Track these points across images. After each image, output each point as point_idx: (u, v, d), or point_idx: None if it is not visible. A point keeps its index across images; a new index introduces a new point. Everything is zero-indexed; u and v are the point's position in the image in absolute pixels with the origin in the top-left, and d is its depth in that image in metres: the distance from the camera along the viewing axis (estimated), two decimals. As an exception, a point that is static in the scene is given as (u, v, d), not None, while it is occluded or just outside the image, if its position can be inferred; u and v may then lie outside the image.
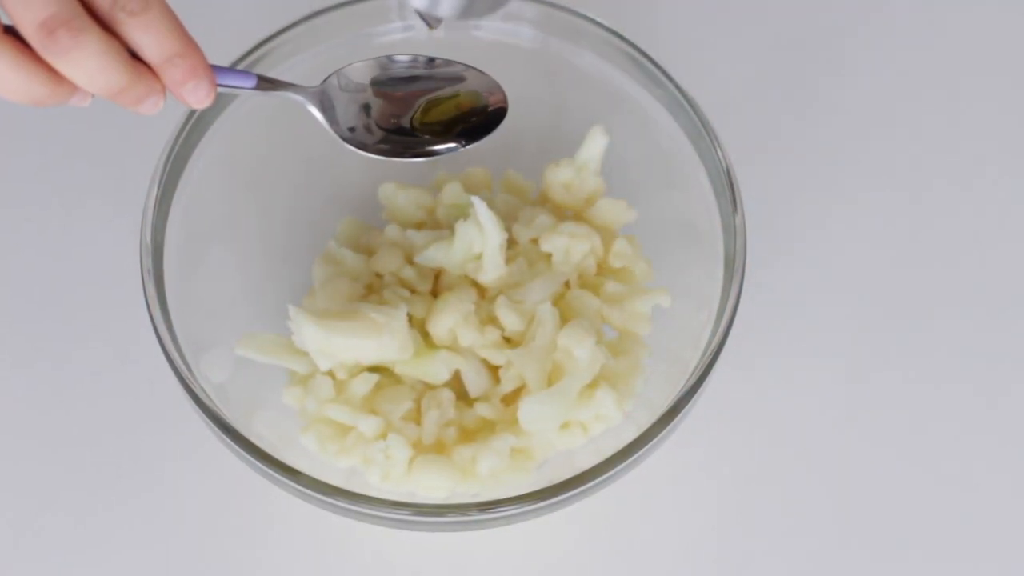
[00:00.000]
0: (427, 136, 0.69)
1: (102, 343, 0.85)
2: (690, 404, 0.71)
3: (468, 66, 0.70)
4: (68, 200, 0.88)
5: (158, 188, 0.74)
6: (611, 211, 0.80)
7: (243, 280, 0.80)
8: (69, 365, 0.84)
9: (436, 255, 0.78)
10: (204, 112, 0.75)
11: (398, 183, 0.82)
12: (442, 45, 0.80)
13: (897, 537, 0.81)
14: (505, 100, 0.69)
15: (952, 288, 0.87)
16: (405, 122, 0.69)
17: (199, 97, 0.61)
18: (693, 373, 0.72)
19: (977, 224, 0.89)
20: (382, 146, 0.68)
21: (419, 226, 0.82)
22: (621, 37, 0.78)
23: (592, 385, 0.75)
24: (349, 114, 0.68)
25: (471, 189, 0.82)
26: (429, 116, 0.69)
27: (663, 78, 0.77)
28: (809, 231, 0.88)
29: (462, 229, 0.77)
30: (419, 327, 0.78)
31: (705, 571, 0.80)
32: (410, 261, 0.80)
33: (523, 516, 0.71)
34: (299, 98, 0.67)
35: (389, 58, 0.70)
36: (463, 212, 0.80)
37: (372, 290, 0.80)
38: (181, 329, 0.73)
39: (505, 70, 0.81)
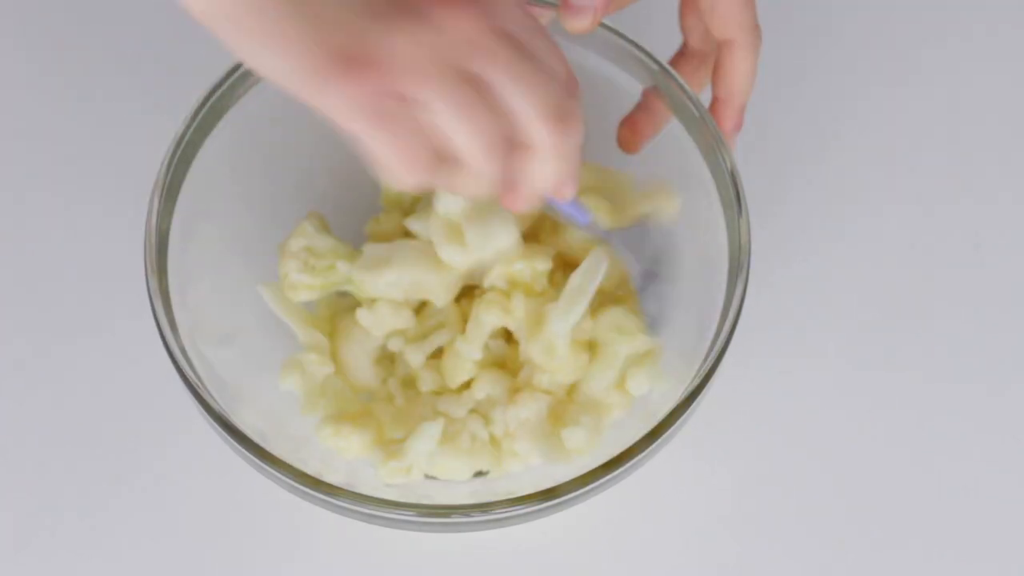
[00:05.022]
0: None
1: (103, 342, 0.84)
2: (693, 406, 0.71)
3: None
4: (70, 198, 0.88)
5: (162, 188, 0.74)
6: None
7: (245, 280, 0.80)
8: (70, 364, 0.84)
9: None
10: (210, 110, 0.75)
11: None
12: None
13: (900, 536, 0.81)
14: None
15: (954, 287, 0.87)
16: None
17: None
18: (696, 375, 0.72)
19: (979, 223, 0.89)
20: None
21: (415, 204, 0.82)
22: (622, 37, 0.78)
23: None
24: None
25: None
26: None
27: (665, 77, 0.77)
28: (811, 229, 0.88)
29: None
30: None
31: (707, 571, 0.80)
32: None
33: (524, 517, 0.71)
34: None
35: None
36: None
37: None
38: (184, 328, 0.73)
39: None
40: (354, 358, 0.78)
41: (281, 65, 0.53)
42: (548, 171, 0.60)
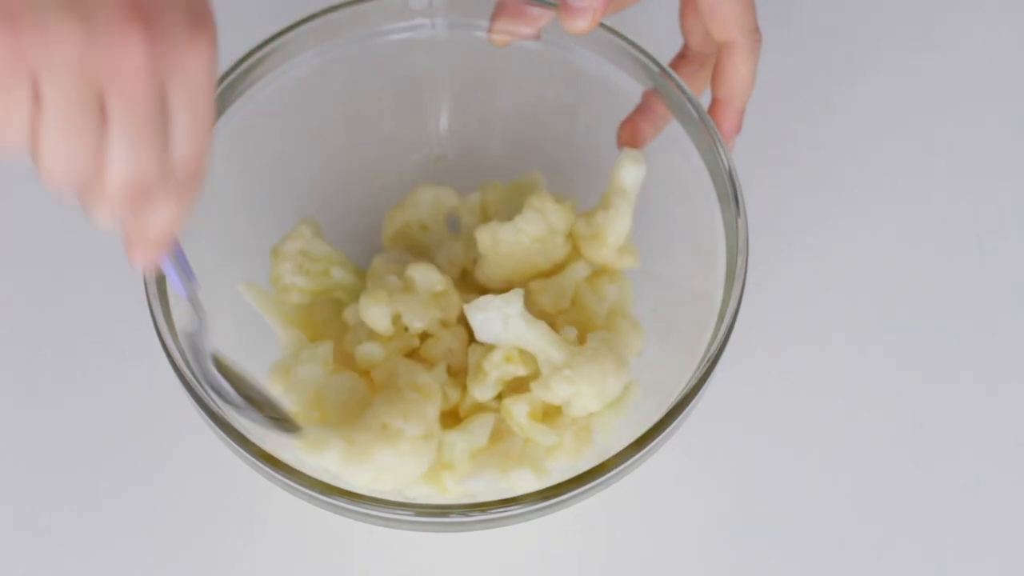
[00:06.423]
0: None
1: (102, 343, 0.85)
2: (691, 405, 0.71)
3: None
4: (69, 198, 0.88)
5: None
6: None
7: (246, 279, 0.80)
8: (69, 365, 0.84)
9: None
10: None
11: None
12: (445, 46, 0.80)
13: (900, 536, 0.81)
14: None
15: (952, 286, 0.87)
16: None
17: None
18: (694, 374, 0.71)
19: (979, 222, 0.89)
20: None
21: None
22: (622, 38, 0.78)
23: None
24: None
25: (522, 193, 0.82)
26: None
27: (664, 78, 0.77)
28: (809, 229, 0.88)
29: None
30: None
31: (706, 571, 0.80)
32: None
33: (523, 517, 0.71)
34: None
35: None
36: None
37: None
38: (183, 328, 0.72)
39: (505, 70, 0.82)
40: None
41: None
42: (107, 220, 0.56)
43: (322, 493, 0.69)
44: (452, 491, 0.74)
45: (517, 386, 0.76)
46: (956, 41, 0.95)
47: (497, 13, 0.79)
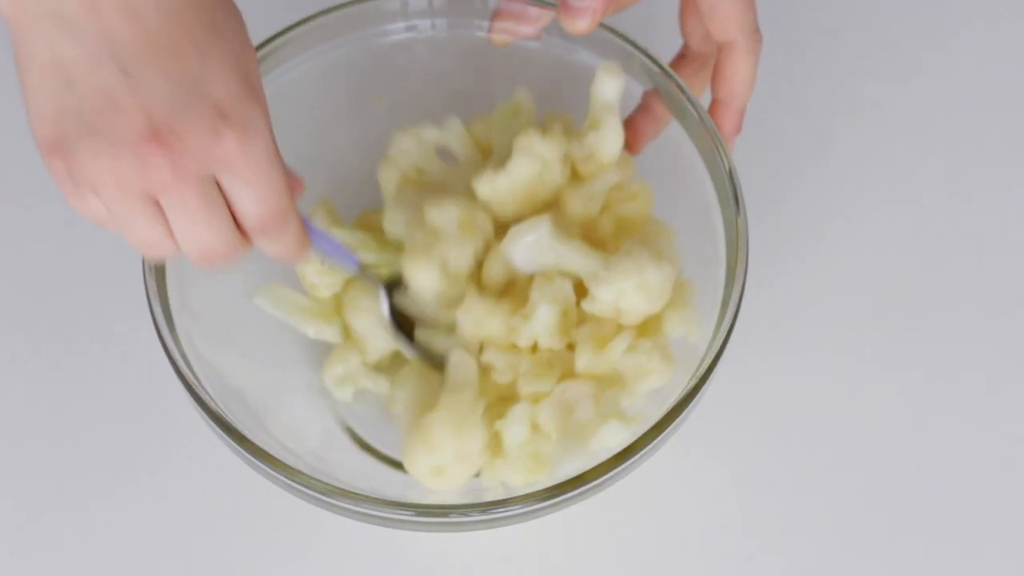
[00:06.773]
0: None
1: (103, 343, 0.85)
2: (691, 405, 0.71)
3: None
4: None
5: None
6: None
7: (245, 278, 0.80)
8: (69, 365, 0.84)
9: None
10: None
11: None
12: (443, 46, 0.80)
13: (901, 535, 0.81)
14: None
15: (953, 286, 0.87)
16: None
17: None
18: (695, 374, 0.71)
19: (977, 224, 0.89)
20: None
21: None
22: (622, 38, 0.78)
23: None
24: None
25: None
26: None
27: (664, 78, 0.77)
28: (809, 229, 0.88)
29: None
30: None
31: (707, 571, 0.80)
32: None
33: (524, 516, 0.71)
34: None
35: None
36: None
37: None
38: (182, 329, 0.73)
39: (505, 70, 0.82)
40: (364, 327, 0.79)
41: (26, 105, 0.60)
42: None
43: (322, 493, 0.69)
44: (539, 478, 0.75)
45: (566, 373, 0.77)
46: (956, 41, 0.95)
47: (497, 13, 0.79)
